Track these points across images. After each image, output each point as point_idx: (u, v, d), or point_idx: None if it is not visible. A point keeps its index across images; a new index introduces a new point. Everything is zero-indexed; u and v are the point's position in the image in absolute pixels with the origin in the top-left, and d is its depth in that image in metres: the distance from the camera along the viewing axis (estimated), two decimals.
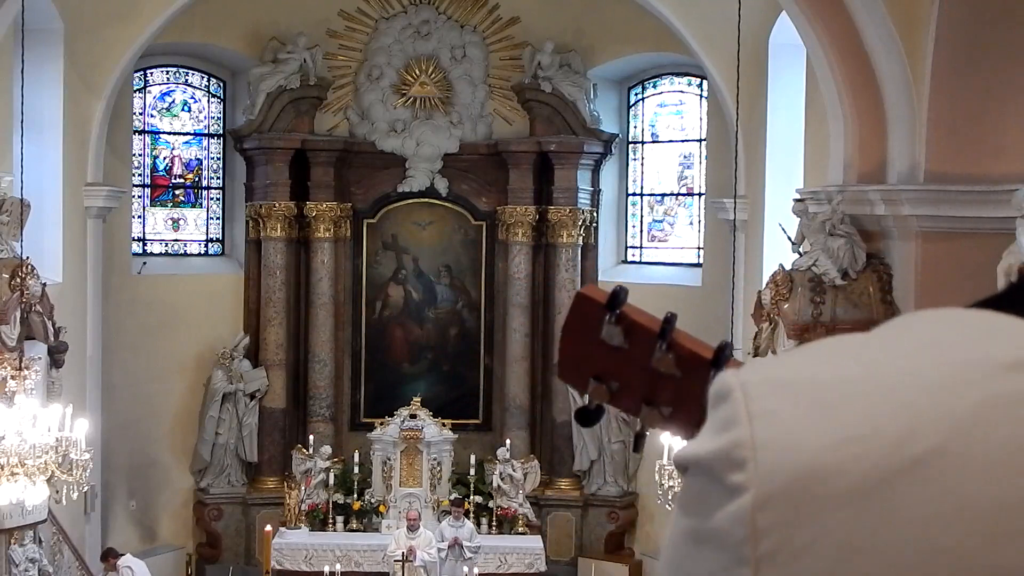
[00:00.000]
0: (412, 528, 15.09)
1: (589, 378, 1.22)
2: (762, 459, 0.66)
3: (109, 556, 14.40)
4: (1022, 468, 0.62)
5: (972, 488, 0.62)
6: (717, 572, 0.68)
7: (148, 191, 18.31)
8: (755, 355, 11.85)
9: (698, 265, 17.70)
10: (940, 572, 0.62)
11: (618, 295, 1.20)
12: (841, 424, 0.65)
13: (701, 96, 17.88)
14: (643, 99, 18.55)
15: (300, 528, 16.33)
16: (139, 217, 18.12)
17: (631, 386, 1.22)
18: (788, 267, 11.78)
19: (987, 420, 0.64)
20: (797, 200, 12.25)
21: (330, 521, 16.50)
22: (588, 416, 1.25)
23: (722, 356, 1.18)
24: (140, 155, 18.13)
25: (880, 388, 0.66)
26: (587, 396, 1.24)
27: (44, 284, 12.75)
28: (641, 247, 18.56)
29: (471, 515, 16.14)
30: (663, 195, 18.47)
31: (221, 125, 18.62)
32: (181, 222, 18.54)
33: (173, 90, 18.53)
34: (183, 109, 18.55)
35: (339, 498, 16.62)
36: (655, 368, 1.19)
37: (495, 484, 16.56)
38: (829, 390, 0.67)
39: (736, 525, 0.66)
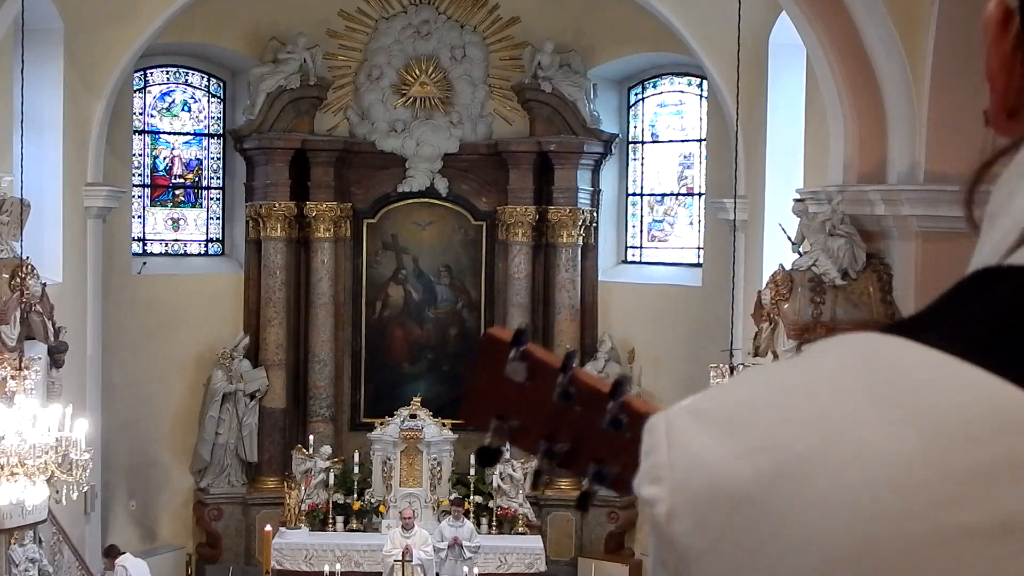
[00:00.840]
0: (407, 527, 15.09)
1: (491, 417, 1.25)
2: (675, 476, 0.76)
3: (111, 553, 14.44)
4: (888, 457, 0.69)
5: (843, 479, 0.70)
6: (656, 573, 0.78)
7: (148, 191, 18.31)
8: (755, 355, 11.86)
9: (698, 265, 17.70)
10: (808, 561, 0.69)
11: (522, 332, 1.24)
12: (736, 439, 0.74)
13: (701, 96, 17.88)
14: (643, 99, 18.55)
15: (300, 528, 16.33)
16: (139, 217, 18.12)
17: (532, 424, 1.25)
18: (788, 267, 11.78)
19: (860, 419, 0.71)
20: (797, 200, 12.26)
21: (330, 521, 16.50)
22: (488, 455, 1.28)
23: (620, 389, 1.22)
24: (140, 155, 18.14)
25: (772, 405, 0.75)
26: (488, 435, 1.26)
27: (44, 284, 12.75)
28: (641, 247, 18.57)
29: (471, 515, 16.14)
30: (663, 195, 18.48)
31: (221, 125, 18.62)
32: (181, 222, 18.54)
33: (173, 90, 18.54)
34: (183, 109, 18.55)
35: (339, 498, 16.62)
36: (557, 401, 1.22)
37: (495, 484, 16.56)
38: (731, 411, 0.77)
39: (657, 533, 0.77)
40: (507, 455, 16.65)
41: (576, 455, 1.24)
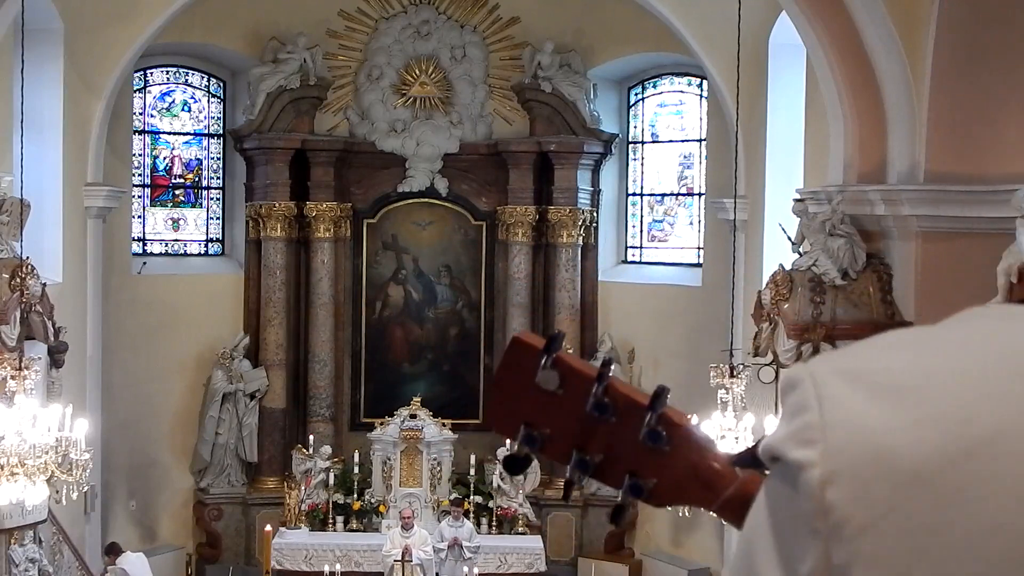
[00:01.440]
0: (407, 527, 15.09)
1: (519, 425, 1.22)
2: (831, 438, 0.70)
3: (110, 552, 14.46)
4: None
5: None
6: (789, 549, 0.71)
7: (148, 191, 18.31)
8: (755, 355, 11.85)
9: (698, 265, 17.70)
10: (997, 548, 0.65)
11: (555, 339, 1.20)
12: (906, 408, 0.69)
13: (701, 96, 17.88)
14: (643, 99, 18.55)
15: (300, 528, 16.33)
16: (139, 217, 18.12)
17: (562, 433, 1.21)
18: (788, 267, 11.78)
19: None
20: (797, 200, 12.25)
21: (330, 521, 16.50)
22: (516, 464, 1.24)
23: (659, 400, 1.17)
24: (140, 155, 18.14)
25: (943, 376, 0.70)
26: (517, 443, 1.23)
27: (44, 284, 12.74)
28: (641, 247, 18.56)
29: (471, 515, 16.14)
30: (663, 195, 18.47)
31: (221, 125, 18.62)
32: (181, 222, 18.54)
33: (173, 90, 18.53)
34: (183, 109, 18.55)
35: (339, 498, 16.62)
36: (591, 413, 1.18)
37: (495, 484, 16.57)
38: (894, 378, 0.71)
39: (806, 499, 0.70)
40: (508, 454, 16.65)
41: (610, 466, 1.20)
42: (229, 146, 18.47)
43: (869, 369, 0.72)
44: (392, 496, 16.53)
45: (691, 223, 18.23)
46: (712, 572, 16.46)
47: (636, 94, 18.55)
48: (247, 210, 18.00)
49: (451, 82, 17.84)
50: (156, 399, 17.39)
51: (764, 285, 12.11)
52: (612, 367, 1.22)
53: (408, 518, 15.26)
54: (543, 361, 1.18)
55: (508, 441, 1.26)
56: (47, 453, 10.26)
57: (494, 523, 16.47)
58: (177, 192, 18.55)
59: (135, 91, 17.81)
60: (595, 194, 18.11)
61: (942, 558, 0.66)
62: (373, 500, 16.64)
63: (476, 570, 15.01)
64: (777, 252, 13.16)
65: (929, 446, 0.67)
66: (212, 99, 18.69)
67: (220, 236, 18.66)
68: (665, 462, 1.15)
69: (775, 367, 11.39)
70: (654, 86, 18.45)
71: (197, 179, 18.63)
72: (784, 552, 0.72)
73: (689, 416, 1.21)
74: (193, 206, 18.65)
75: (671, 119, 18.41)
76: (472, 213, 18.04)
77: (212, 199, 18.73)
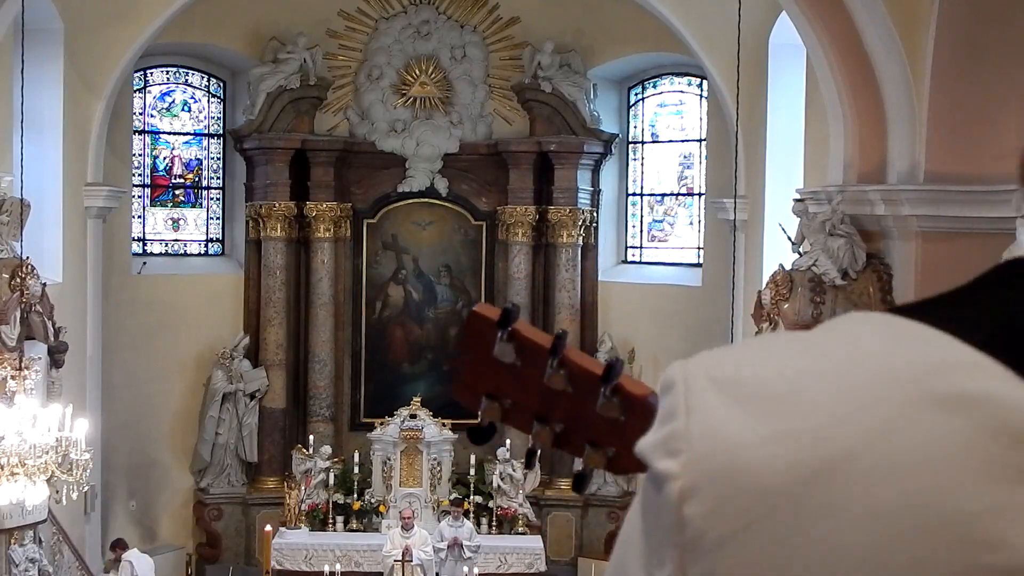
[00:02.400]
0: (407, 527, 15.09)
1: (482, 396, 1.23)
2: (693, 450, 0.69)
3: (117, 546, 14.49)
4: (922, 472, 0.64)
5: (876, 491, 0.64)
6: (651, 553, 0.71)
7: (148, 191, 18.31)
8: None
9: (698, 265, 17.70)
10: (843, 570, 0.64)
11: (510, 312, 1.20)
12: (766, 422, 0.68)
13: (701, 96, 17.88)
14: (643, 99, 18.55)
15: (300, 528, 16.33)
16: (139, 217, 18.12)
17: (524, 404, 1.22)
18: (788, 267, 11.78)
19: (896, 426, 0.66)
20: (797, 200, 12.25)
21: (330, 521, 16.50)
22: (480, 434, 1.25)
23: (612, 372, 1.18)
24: (140, 155, 18.14)
25: (806, 390, 0.68)
26: (480, 414, 1.23)
27: (44, 284, 12.76)
28: (641, 247, 18.57)
29: (471, 515, 16.14)
30: (663, 195, 18.48)
31: (221, 125, 18.62)
32: (181, 222, 18.54)
33: (173, 90, 18.54)
34: (183, 109, 18.55)
35: (339, 498, 16.62)
36: (547, 385, 1.19)
37: (495, 484, 16.57)
38: (759, 388, 0.70)
39: (666, 511, 0.70)
40: (507, 455, 16.67)
41: (571, 436, 1.21)
42: (229, 146, 18.47)
43: (739, 377, 0.71)
44: (392, 496, 16.53)
45: (691, 223, 18.23)
46: None
47: (636, 94, 18.56)
48: (247, 210, 18.00)
49: (451, 82, 17.84)
50: (156, 399, 17.39)
51: (764, 285, 12.11)
52: (566, 338, 1.21)
53: (408, 518, 15.25)
54: (500, 334, 1.19)
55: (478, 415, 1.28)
56: (47, 453, 10.26)
57: (494, 523, 16.47)
58: (177, 192, 18.55)
59: (135, 91, 17.81)
60: (595, 194, 18.11)
61: None
62: (373, 500, 16.64)
63: (476, 570, 15.01)
64: (777, 252, 13.16)
65: (783, 463, 0.66)
66: (212, 99, 18.69)
67: (220, 236, 18.66)
68: (623, 431, 1.16)
69: None
70: (654, 86, 18.45)
71: (197, 179, 18.64)
72: (648, 557, 0.71)
73: (646, 385, 1.21)
74: (193, 206, 18.65)
75: (671, 119, 18.41)
76: (472, 213, 18.04)
77: (212, 199, 18.73)
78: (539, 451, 1.28)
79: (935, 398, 0.66)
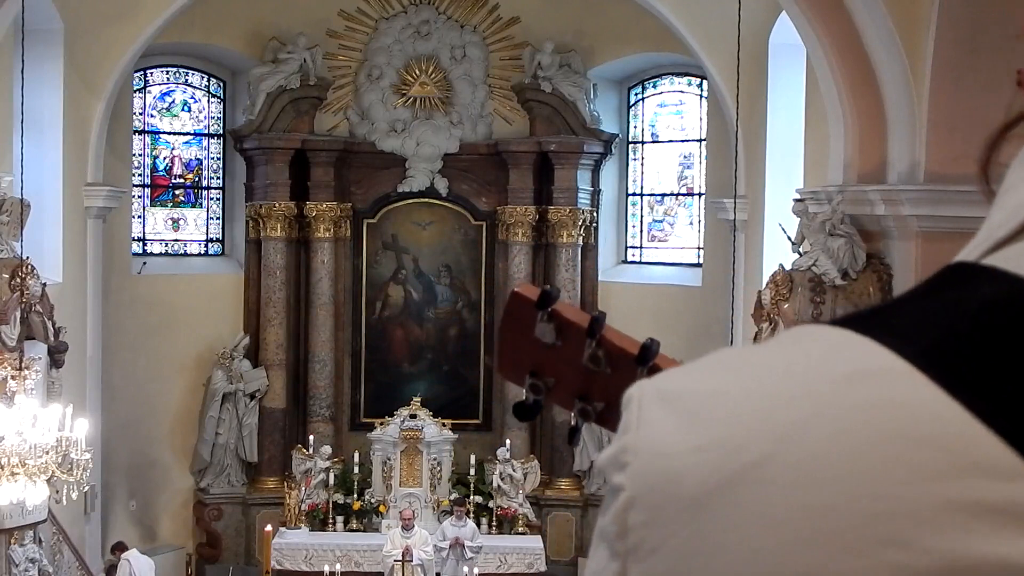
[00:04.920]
0: (407, 527, 15.08)
1: (525, 374, 1.24)
2: (638, 462, 0.72)
3: (116, 549, 14.54)
4: (835, 477, 0.65)
5: (790, 495, 0.66)
6: (602, 564, 0.74)
7: (148, 191, 18.31)
8: None
9: (698, 265, 17.70)
10: (757, 573, 0.66)
11: (549, 294, 1.21)
12: (696, 432, 0.70)
13: (701, 96, 17.89)
14: (643, 99, 18.55)
15: (300, 528, 16.33)
16: (139, 217, 18.13)
17: (565, 382, 1.24)
18: (788, 267, 11.78)
19: (812, 430, 0.67)
20: (797, 200, 12.26)
21: (330, 521, 16.50)
22: (525, 411, 1.27)
23: (647, 353, 1.19)
24: (140, 155, 18.14)
25: (733, 400, 0.71)
26: (524, 391, 1.25)
27: (44, 284, 12.76)
28: (641, 247, 18.57)
29: (471, 515, 16.14)
30: (663, 195, 18.48)
31: (221, 125, 18.63)
32: (181, 222, 18.54)
33: (173, 90, 18.54)
34: (183, 109, 18.55)
35: (339, 498, 16.62)
36: (586, 365, 1.21)
37: (495, 484, 16.56)
38: (696, 401, 0.72)
39: (613, 522, 0.73)
40: (507, 455, 16.68)
41: (611, 413, 1.22)
42: (229, 146, 18.47)
43: (682, 391, 0.73)
44: (392, 496, 16.53)
45: (691, 223, 18.23)
46: None
47: (636, 94, 18.56)
48: (247, 210, 18.00)
49: (451, 82, 17.84)
50: (156, 399, 17.39)
51: (764, 285, 12.11)
52: (604, 320, 1.23)
53: (409, 519, 15.25)
54: (540, 315, 1.21)
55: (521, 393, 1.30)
56: (47, 453, 10.26)
57: (494, 523, 16.47)
58: (177, 192, 18.55)
59: (135, 91, 17.81)
60: (595, 194, 18.11)
61: None
62: (373, 500, 16.64)
63: (476, 570, 15.01)
64: (777, 252, 13.16)
65: (706, 470, 0.68)
66: (212, 99, 18.69)
67: (220, 236, 18.67)
68: None
69: None
70: (654, 86, 18.45)
71: (197, 179, 18.64)
72: (600, 558, 0.74)
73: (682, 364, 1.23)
74: (193, 206, 18.65)
75: (671, 119, 18.41)
76: (472, 213, 18.04)
77: (212, 199, 18.73)
78: (581, 429, 1.30)
79: (848, 404, 0.67)
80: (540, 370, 1.24)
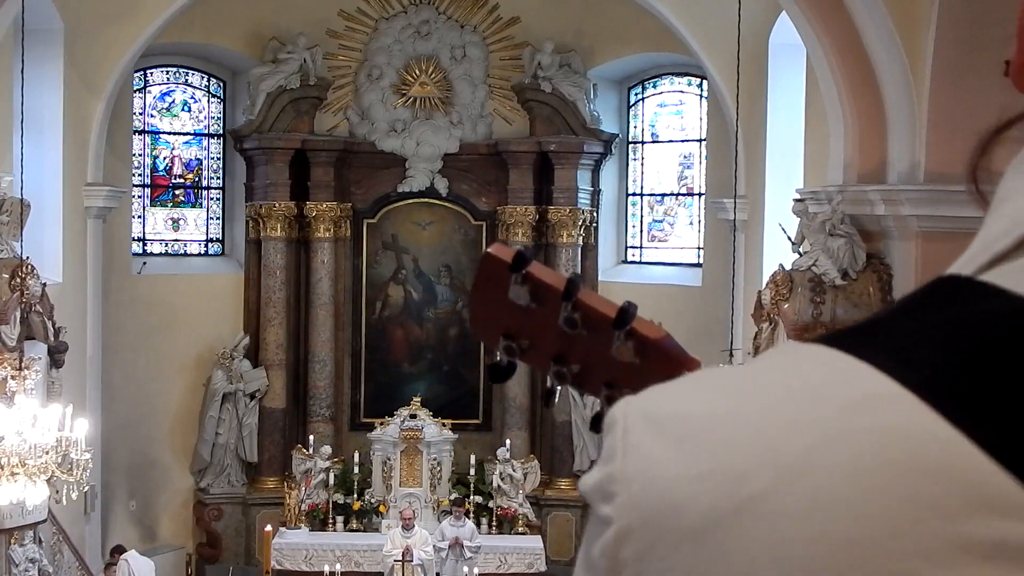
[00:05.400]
0: (407, 527, 15.09)
1: (500, 335, 1.22)
2: (628, 492, 0.69)
3: (115, 552, 14.54)
4: (843, 511, 0.64)
5: (796, 527, 0.64)
6: None
7: (148, 191, 18.31)
8: (755, 355, 11.85)
9: (698, 265, 17.70)
10: None
11: (523, 255, 1.18)
12: (693, 461, 0.67)
13: (701, 96, 17.88)
14: (643, 99, 18.55)
15: (300, 528, 16.33)
16: (139, 217, 18.13)
17: (541, 344, 1.21)
18: (788, 267, 11.78)
19: (818, 461, 0.65)
20: (797, 200, 12.25)
21: (330, 521, 16.50)
22: (499, 372, 1.24)
23: (625, 316, 1.16)
24: (140, 155, 18.14)
25: (733, 426, 0.68)
26: (498, 352, 1.23)
27: (44, 284, 12.75)
28: (641, 247, 18.57)
29: (471, 515, 16.14)
30: (663, 195, 18.48)
31: (221, 125, 18.63)
32: (181, 222, 18.54)
33: (173, 90, 18.54)
34: (183, 109, 18.55)
35: (339, 498, 16.62)
36: (562, 328, 1.18)
37: (495, 484, 16.56)
38: (690, 425, 0.69)
39: (602, 556, 0.69)
40: (507, 455, 16.67)
41: (587, 376, 1.20)
42: (229, 146, 18.47)
43: (673, 414, 0.70)
44: (392, 496, 16.53)
45: (691, 223, 18.24)
46: None
47: (636, 94, 18.56)
48: (247, 210, 18.00)
49: (451, 82, 17.84)
50: (156, 399, 17.39)
51: (764, 285, 12.11)
52: (580, 281, 1.20)
53: (408, 519, 15.25)
54: (514, 277, 1.18)
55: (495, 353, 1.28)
56: (47, 453, 10.26)
57: (494, 523, 16.47)
58: (177, 192, 18.55)
59: (135, 91, 17.81)
60: (595, 194, 18.11)
61: None
62: (373, 500, 16.64)
63: (476, 570, 15.01)
64: (777, 252, 13.16)
65: (708, 501, 0.66)
66: (212, 99, 18.69)
67: (220, 236, 18.67)
68: (640, 373, 1.15)
69: None
70: (654, 86, 18.45)
71: (197, 179, 18.64)
72: None
73: (660, 328, 1.21)
74: (193, 206, 18.65)
75: (671, 119, 18.41)
76: (472, 213, 18.04)
77: (212, 199, 18.73)
78: (557, 392, 1.27)
79: (853, 434, 0.65)
80: (515, 332, 1.21)
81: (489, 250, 1.20)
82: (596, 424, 1.24)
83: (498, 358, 1.23)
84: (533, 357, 1.23)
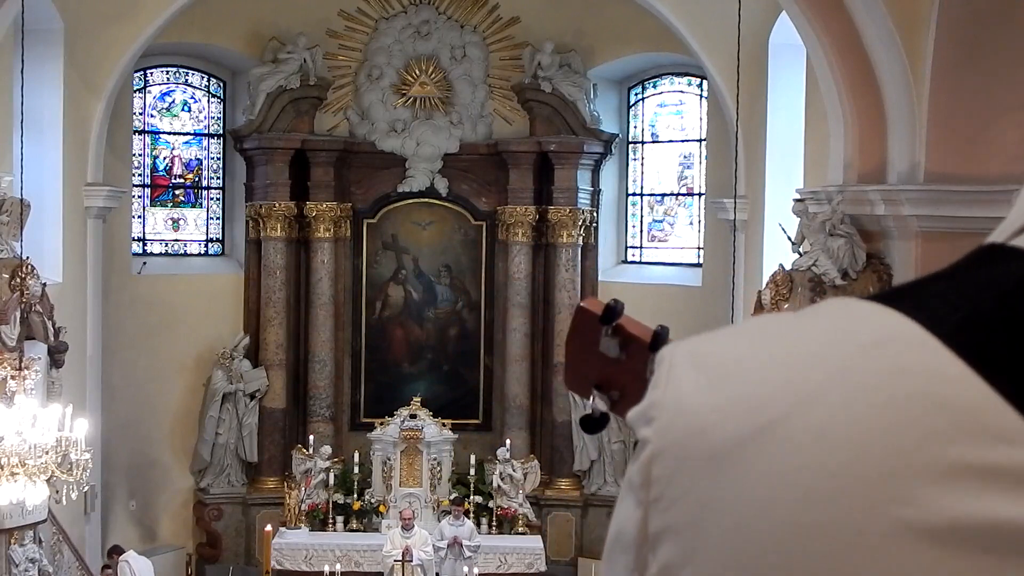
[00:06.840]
0: (407, 527, 15.09)
1: (591, 387, 1.26)
2: (664, 417, 0.76)
3: (113, 553, 14.53)
4: (849, 437, 0.69)
5: (806, 452, 0.69)
6: (627, 513, 0.78)
7: (148, 191, 18.31)
8: None
9: (698, 265, 17.70)
10: (768, 526, 0.69)
11: (613, 309, 1.23)
12: (721, 391, 0.74)
13: (701, 96, 17.89)
14: (643, 99, 18.56)
15: (300, 528, 16.33)
16: (139, 217, 18.13)
17: (631, 394, 1.25)
18: (788, 267, 11.78)
19: (831, 392, 0.71)
20: (797, 200, 12.26)
21: (330, 521, 16.50)
22: (592, 424, 1.30)
23: None
24: (140, 155, 18.14)
25: (762, 363, 0.75)
26: (590, 404, 1.27)
27: (44, 284, 12.76)
28: (641, 247, 18.57)
29: (471, 515, 16.14)
30: (663, 195, 18.48)
31: (221, 125, 18.63)
32: (181, 222, 18.54)
33: (173, 90, 18.54)
34: (183, 109, 18.56)
35: (339, 498, 16.62)
36: (648, 378, 1.21)
37: (495, 484, 16.57)
38: (723, 361, 0.76)
39: (638, 473, 0.77)
40: (507, 455, 16.67)
41: None
42: (229, 146, 18.48)
43: (710, 352, 0.77)
44: (392, 496, 16.53)
45: (691, 223, 18.24)
46: None
47: (636, 94, 18.56)
48: (247, 210, 18.00)
49: (451, 82, 17.84)
50: (156, 399, 17.39)
51: (764, 285, 12.12)
52: (667, 334, 1.25)
53: (408, 519, 15.25)
54: (604, 330, 1.23)
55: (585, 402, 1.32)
56: (47, 453, 10.26)
57: (494, 523, 16.47)
58: (177, 192, 18.55)
59: (135, 91, 17.81)
60: (595, 194, 18.11)
61: (724, 533, 0.71)
62: (373, 500, 16.64)
63: (476, 570, 15.01)
64: (777, 252, 13.16)
65: (728, 427, 0.72)
66: (212, 99, 18.69)
67: (220, 236, 18.67)
68: None
69: None
70: (654, 86, 18.45)
71: (197, 179, 18.64)
72: (625, 507, 0.78)
73: None
74: (193, 206, 18.65)
75: (671, 119, 18.42)
76: (472, 213, 18.04)
77: (212, 199, 18.73)
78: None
79: (867, 369, 0.70)
80: (606, 383, 1.25)
81: (582, 304, 1.26)
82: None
83: (590, 410, 1.27)
84: (624, 407, 1.26)
